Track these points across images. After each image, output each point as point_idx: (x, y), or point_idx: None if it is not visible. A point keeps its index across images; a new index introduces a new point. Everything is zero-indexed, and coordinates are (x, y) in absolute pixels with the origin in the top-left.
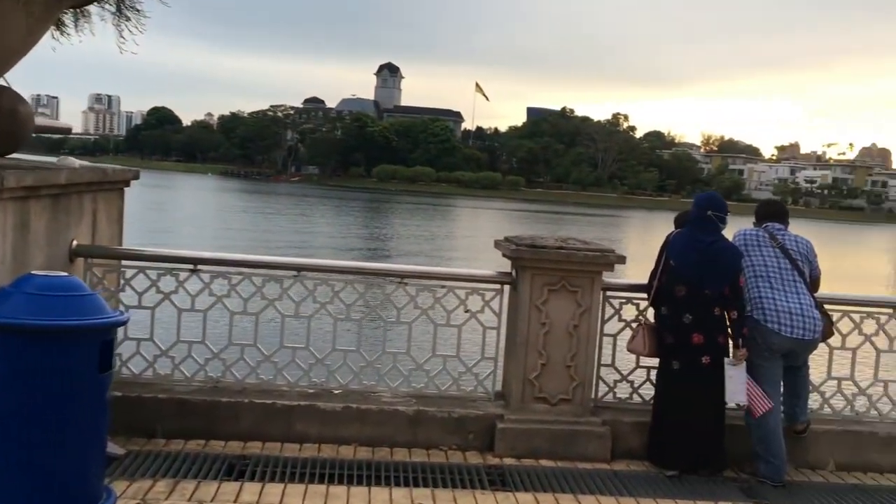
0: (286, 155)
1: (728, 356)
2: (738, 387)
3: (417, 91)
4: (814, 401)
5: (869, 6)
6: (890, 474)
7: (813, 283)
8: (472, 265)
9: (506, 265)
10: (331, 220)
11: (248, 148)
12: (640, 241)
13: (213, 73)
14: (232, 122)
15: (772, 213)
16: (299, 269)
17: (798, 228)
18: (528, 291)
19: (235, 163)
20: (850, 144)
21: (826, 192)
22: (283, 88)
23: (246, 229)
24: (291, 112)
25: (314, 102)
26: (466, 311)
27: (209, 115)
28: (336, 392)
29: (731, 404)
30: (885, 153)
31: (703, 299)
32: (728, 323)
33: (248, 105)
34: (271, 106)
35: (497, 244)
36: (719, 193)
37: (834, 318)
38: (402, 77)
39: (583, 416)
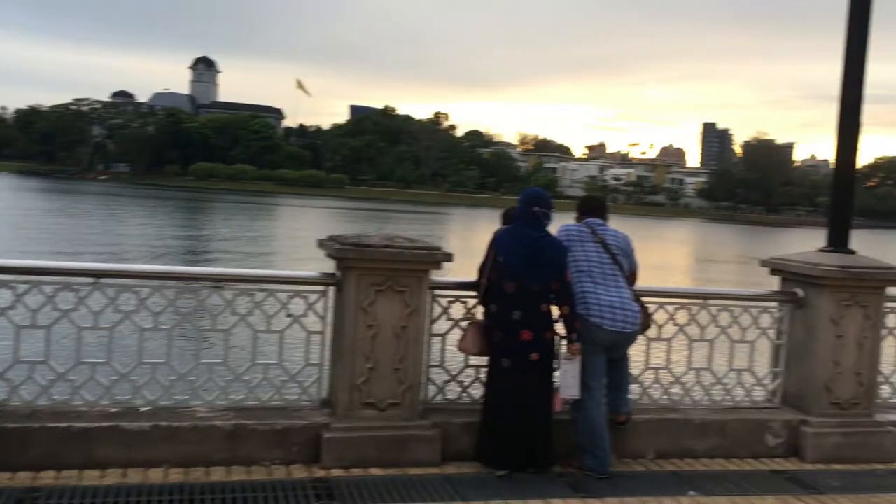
0: (93, 152)
1: (554, 352)
2: (571, 381)
3: (236, 86)
4: (634, 391)
5: (661, 16)
6: (704, 458)
7: (631, 277)
8: (298, 266)
9: (332, 266)
10: (144, 221)
11: (49, 144)
12: (464, 238)
13: (5, 62)
14: (30, 117)
15: (592, 208)
16: (97, 275)
17: (609, 224)
18: (354, 293)
19: (35, 160)
20: (651, 144)
21: (631, 188)
22: (87, 81)
23: (48, 232)
24: (98, 106)
25: (123, 96)
26: (288, 316)
27: (3, 108)
28: (143, 410)
29: (565, 398)
30: (681, 152)
31: (531, 295)
32: (557, 319)
33: (49, 98)
34: (75, 99)
35: (321, 244)
36: (543, 190)
37: (650, 310)
38: (219, 71)
39: (412, 420)
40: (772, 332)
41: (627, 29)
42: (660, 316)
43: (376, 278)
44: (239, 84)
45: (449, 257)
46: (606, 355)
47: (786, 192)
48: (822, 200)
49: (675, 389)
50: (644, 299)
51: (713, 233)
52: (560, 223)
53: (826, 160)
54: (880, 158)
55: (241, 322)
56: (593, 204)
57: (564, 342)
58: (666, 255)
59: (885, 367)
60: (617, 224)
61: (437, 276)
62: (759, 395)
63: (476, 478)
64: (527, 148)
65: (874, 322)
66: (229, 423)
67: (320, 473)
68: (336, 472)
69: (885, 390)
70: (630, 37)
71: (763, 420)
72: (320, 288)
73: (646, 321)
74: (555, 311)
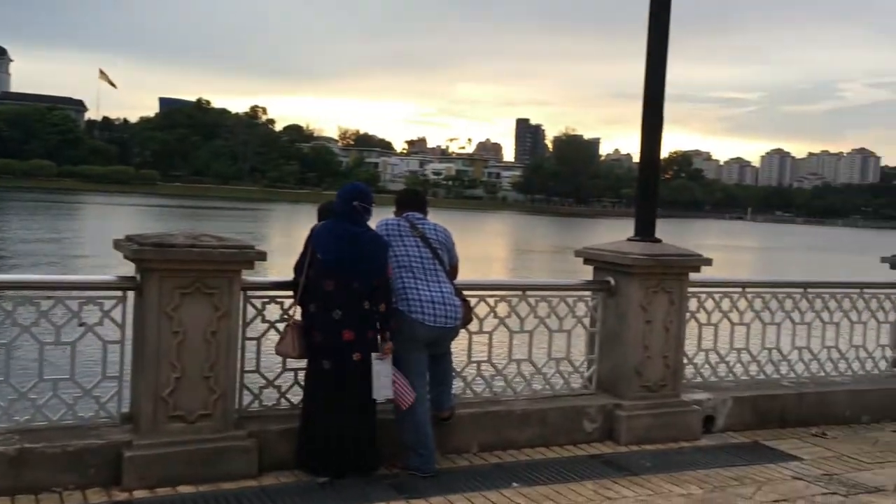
0: None
1: (377, 351)
2: (384, 381)
3: (32, 77)
4: (457, 386)
5: (479, 16)
6: (526, 448)
7: (452, 271)
8: (104, 270)
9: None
10: None
11: None
12: (287, 234)
13: None
14: None
15: (411, 202)
16: None
17: (430, 217)
18: (157, 297)
19: None
20: (469, 139)
21: (451, 182)
22: None
23: None
24: None
25: None
26: (81, 325)
27: None
28: None
29: (379, 399)
30: (497, 147)
31: (352, 293)
32: (376, 317)
33: None
34: None
35: (117, 244)
36: (364, 184)
37: (472, 304)
38: (11, 60)
39: (225, 430)
40: (587, 321)
41: (446, 26)
42: (481, 309)
43: (182, 280)
44: (35, 74)
45: (262, 256)
46: (429, 351)
47: (593, 185)
48: (626, 192)
49: (498, 382)
50: (465, 293)
51: (529, 225)
52: (379, 218)
53: (629, 154)
54: (674, 153)
55: (25, 334)
56: (412, 198)
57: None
58: (486, 247)
59: (689, 348)
60: (438, 218)
61: (251, 276)
62: (576, 382)
63: (296, 486)
64: (348, 143)
65: (679, 307)
66: (13, 447)
67: (121, 496)
68: (140, 494)
69: (689, 371)
70: (448, 34)
71: (580, 406)
72: (117, 293)
73: (467, 315)
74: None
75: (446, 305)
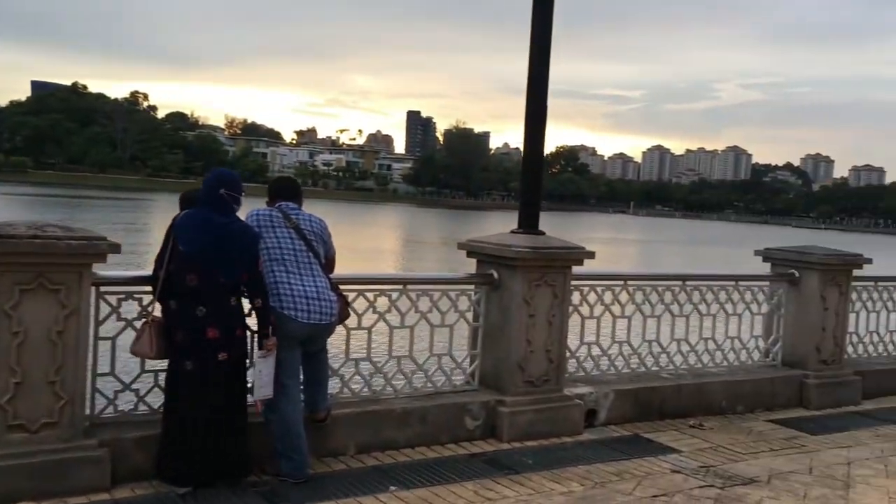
0: None
1: (247, 351)
2: (265, 380)
3: None
4: (334, 385)
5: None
6: (405, 449)
7: (329, 264)
8: None
9: None
10: None
11: None
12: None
13: None
14: None
15: (284, 191)
16: None
17: (318, 209)
18: None
19: None
20: (360, 130)
21: (341, 174)
22: None
23: None
24: None
25: None
26: None
27: None
28: None
29: (258, 398)
30: (389, 139)
31: (218, 288)
32: (248, 313)
33: None
34: None
35: None
36: (233, 170)
37: (350, 299)
38: None
39: (73, 440)
40: (470, 315)
41: (336, 15)
42: (359, 304)
43: (22, 275)
44: None
45: (115, 248)
46: (303, 349)
47: (484, 178)
48: (514, 185)
49: (377, 380)
50: (342, 287)
51: (420, 217)
52: (249, 208)
53: (518, 148)
54: (561, 147)
55: None
56: (286, 186)
57: (258, 339)
58: (377, 239)
59: (572, 342)
60: (328, 209)
61: (105, 269)
62: (459, 378)
63: (154, 499)
64: (235, 132)
65: (562, 300)
66: None
67: None
68: None
69: (572, 364)
70: (339, 24)
71: (462, 403)
72: None
73: (344, 311)
74: (246, 305)
75: (321, 301)
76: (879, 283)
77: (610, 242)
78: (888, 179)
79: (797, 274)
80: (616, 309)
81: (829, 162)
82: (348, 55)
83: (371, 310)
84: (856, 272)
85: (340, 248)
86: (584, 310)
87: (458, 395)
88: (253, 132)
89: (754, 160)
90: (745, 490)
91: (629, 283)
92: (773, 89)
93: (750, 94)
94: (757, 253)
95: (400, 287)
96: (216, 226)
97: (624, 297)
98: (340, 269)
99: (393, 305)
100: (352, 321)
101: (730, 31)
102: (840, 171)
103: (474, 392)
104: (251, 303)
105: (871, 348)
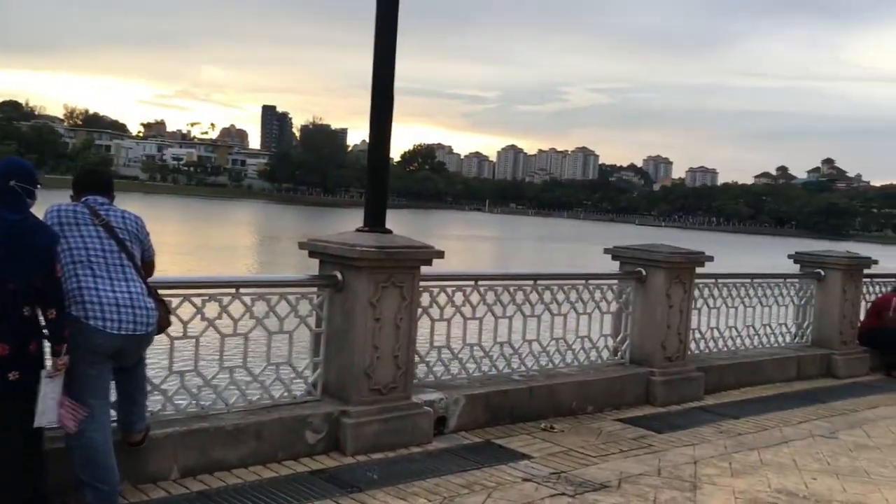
0: None
1: (45, 367)
2: (49, 404)
3: None
4: (154, 402)
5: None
6: (238, 469)
7: (146, 267)
8: None
9: None
10: None
11: None
12: None
13: None
14: None
15: (92, 183)
16: None
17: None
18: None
19: None
20: (212, 124)
21: (192, 169)
22: None
23: None
24: None
25: None
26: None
27: None
28: None
29: (42, 426)
30: (243, 134)
31: (7, 296)
32: (43, 325)
33: None
34: None
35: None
36: (25, 159)
37: (173, 305)
38: None
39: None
40: (311, 320)
41: (187, 4)
42: (185, 310)
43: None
44: None
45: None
46: (115, 364)
47: (341, 175)
48: None
49: (207, 393)
50: (165, 292)
51: (275, 214)
52: (49, 203)
53: None
54: (418, 145)
55: None
56: (94, 178)
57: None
58: (229, 237)
59: (421, 346)
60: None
61: None
62: (300, 389)
63: None
64: (75, 123)
65: (410, 302)
66: None
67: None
68: None
69: (421, 370)
70: (190, 13)
71: (303, 416)
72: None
73: (164, 319)
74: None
75: (135, 308)
76: (719, 280)
77: (466, 239)
78: (720, 180)
79: (644, 272)
80: (467, 310)
81: (668, 163)
82: (201, 46)
83: (199, 317)
84: (697, 269)
85: (190, 247)
86: (434, 312)
87: (298, 408)
88: (95, 123)
89: (601, 161)
90: (596, 497)
91: (480, 283)
92: (617, 94)
93: (596, 98)
94: (606, 251)
95: (232, 291)
96: (5, 223)
97: (475, 297)
98: (177, 270)
99: (224, 311)
100: (176, 329)
101: (575, 37)
102: (678, 172)
103: (316, 403)
104: (44, 313)
105: (711, 344)
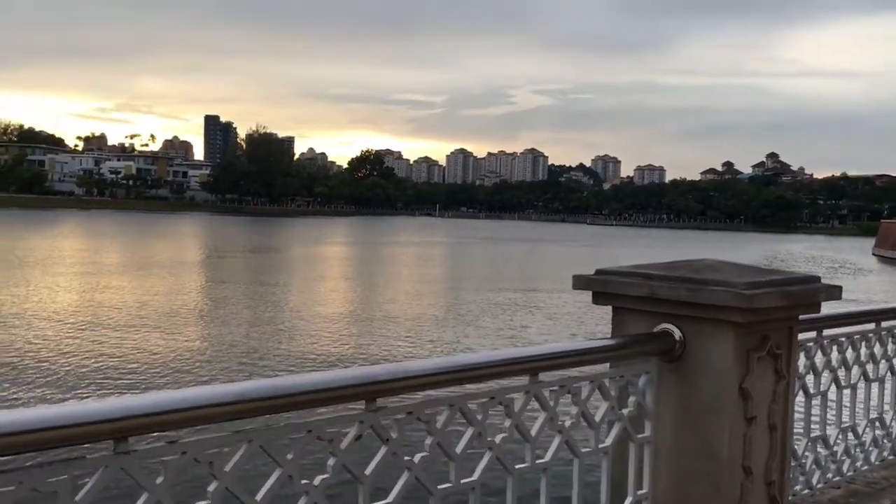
0: None
1: None
2: None
3: None
4: None
5: (156, 6)
6: None
7: None
8: None
9: None
10: None
11: None
12: None
13: None
14: None
15: None
16: None
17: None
18: None
19: None
20: (153, 136)
21: (131, 182)
22: None
23: None
24: None
25: None
26: None
27: None
28: None
29: None
30: (187, 145)
31: None
32: None
33: None
34: None
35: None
36: None
37: None
38: None
39: None
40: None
41: (121, 16)
42: None
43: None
44: None
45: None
46: None
47: (287, 184)
48: (320, 191)
49: None
50: None
51: (219, 225)
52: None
53: (324, 153)
54: (366, 152)
55: None
56: None
57: None
58: (174, 250)
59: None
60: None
61: None
62: None
63: None
64: (9, 139)
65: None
66: None
67: None
68: None
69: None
70: (126, 24)
71: None
72: None
73: None
74: None
75: None
76: (824, 332)
77: (420, 245)
78: (668, 177)
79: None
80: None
81: (616, 162)
82: (139, 57)
83: None
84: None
85: (135, 263)
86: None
87: None
88: (30, 139)
89: (550, 162)
90: None
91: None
92: (561, 95)
93: (542, 100)
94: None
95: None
96: None
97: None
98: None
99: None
100: None
101: (517, 40)
102: (627, 170)
103: None
104: None
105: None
